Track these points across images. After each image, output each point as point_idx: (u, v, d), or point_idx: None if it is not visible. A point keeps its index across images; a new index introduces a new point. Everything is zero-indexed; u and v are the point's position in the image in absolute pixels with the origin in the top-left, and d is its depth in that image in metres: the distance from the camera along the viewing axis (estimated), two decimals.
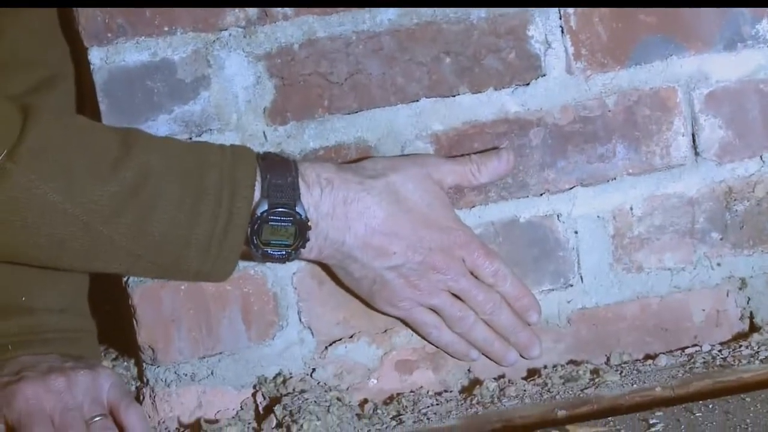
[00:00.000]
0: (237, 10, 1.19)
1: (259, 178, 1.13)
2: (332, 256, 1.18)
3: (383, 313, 1.22)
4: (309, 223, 1.14)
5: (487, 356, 1.25)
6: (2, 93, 1.18)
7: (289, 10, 1.20)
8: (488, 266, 1.21)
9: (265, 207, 1.12)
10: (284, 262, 1.16)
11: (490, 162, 1.22)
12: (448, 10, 1.22)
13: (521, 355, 1.25)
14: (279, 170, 1.14)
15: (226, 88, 1.19)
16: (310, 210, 1.14)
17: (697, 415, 1.06)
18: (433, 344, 1.25)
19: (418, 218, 1.19)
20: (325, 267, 1.23)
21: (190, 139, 1.20)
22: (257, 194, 1.13)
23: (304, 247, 1.15)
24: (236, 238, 1.12)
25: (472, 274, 1.21)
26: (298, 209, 1.13)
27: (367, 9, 1.22)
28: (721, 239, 1.26)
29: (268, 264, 1.20)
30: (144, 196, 1.11)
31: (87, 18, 1.18)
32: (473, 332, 1.22)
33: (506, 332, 1.23)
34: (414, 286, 1.20)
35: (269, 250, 1.14)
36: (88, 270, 1.19)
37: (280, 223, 1.14)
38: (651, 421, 1.06)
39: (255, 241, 1.13)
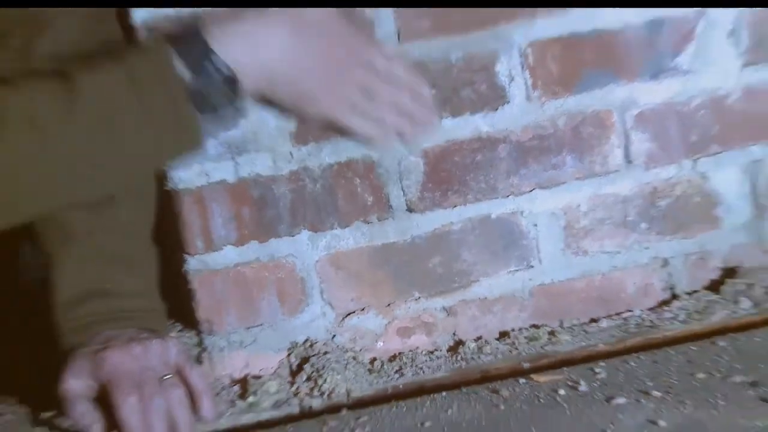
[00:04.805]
0: None
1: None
2: (261, 81, 1.05)
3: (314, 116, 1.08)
4: (226, 64, 1.01)
5: (399, 138, 1.08)
6: None
7: None
8: (382, 60, 1.09)
9: (188, 64, 1.00)
10: (234, 105, 1.04)
11: None
12: (431, 52, 1.23)
13: (424, 127, 1.10)
14: (185, 33, 1.02)
15: (260, 118, 1.20)
16: (226, 51, 1.01)
17: (632, 364, 1.10)
18: (357, 137, 1.08)
19: (319, 34, 1.07)
20: (341, 257, 1.24)
21: (233, 158, 1.21)
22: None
23: (237, 85, 1.02)
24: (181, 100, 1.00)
25: (374, 67, 1.08)
26: (211, 53, 1.01)
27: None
28: (648, 228, 1.30)
29: (296, 254, 1.23)
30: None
31: None
32: (384, 117, 1.08)
33: (411, 111, 1.09)
34: (330, 91, 1.08)
35: (213, 96, 1.02)
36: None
37: (205, 68, 1.01)
38: (596, 370, 1.09)
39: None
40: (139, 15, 1.19)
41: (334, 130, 1.10)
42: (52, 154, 1.02)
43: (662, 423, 0.95)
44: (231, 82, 1.03)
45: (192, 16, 1.08)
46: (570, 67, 1.26)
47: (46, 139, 1.01)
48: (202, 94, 1.02)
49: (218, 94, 1.03)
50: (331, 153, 1.23)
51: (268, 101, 1.08)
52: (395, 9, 1.22)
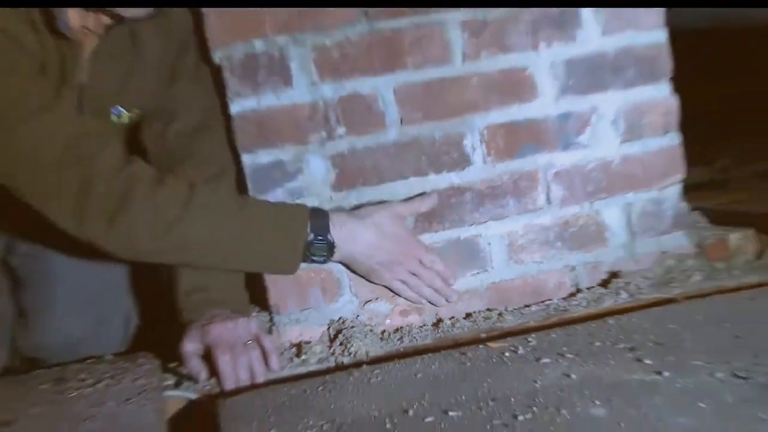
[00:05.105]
0: (317, 133, 1.19)
1: (309, 226, 1.13)
2: (347, 259, 1.18)
3: (376, 283, 1.21)
4: (334, 245, 1.14)
5: (429, 302, 1.23)
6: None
7: (342, 131, 1.20)
8: (427, 258, 1.20)
9: (311, 237, 1.13)
10: (322, 263, 1.16)
11: (427, 199, 1.21)
12: (422, 132, 1.21)
13: (447, 300, 1.24)
14: (319, 221, 1.14)
15: (311, 174, 1.20)
16: (335, 238, 1.14)
17: (552, 336, 1.09)
18: (403, 298, 1.23)
19: (390, 238, 1.17)
20: None
21: (293, 200, 1.20)
22: (310, 234, 1.13)
23: (333, 254, 1.15)
24: (297, 255, 1.13)
25: (421, 261, 1.20)
26: (329, 237, 1.14)
27: (383, 131, 1.20)
28: (562, 246, 1.29)
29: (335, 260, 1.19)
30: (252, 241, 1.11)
31: (244, 137, 1.18)
32: (422, 291, 1.21)
33: (439, 290, 1.22)
34: (390, 271, 1.19)
35: (315, 258, 1.15)
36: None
37: (320, 244, 1.14)
38: (529, 339, 1.08)
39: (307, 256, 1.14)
40: (235, 109, 1.18)
41: (387, 292, 1.22)
42: (194, 241, 1.10)
43: (573, 376, 0.95)
44: (331, 250, 1.14)
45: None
46: (511, 142, 1.26)
47: (201, 233, 1.10)
48: (309, 249, 1.13)
49: (320, 253, 1.14)
50: (357, 198, 1.23)
51: (346, 264, 1.19)
52: (399, 105, 1.21)
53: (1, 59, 1.01)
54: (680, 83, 1.29)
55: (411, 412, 0.90)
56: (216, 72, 1.19)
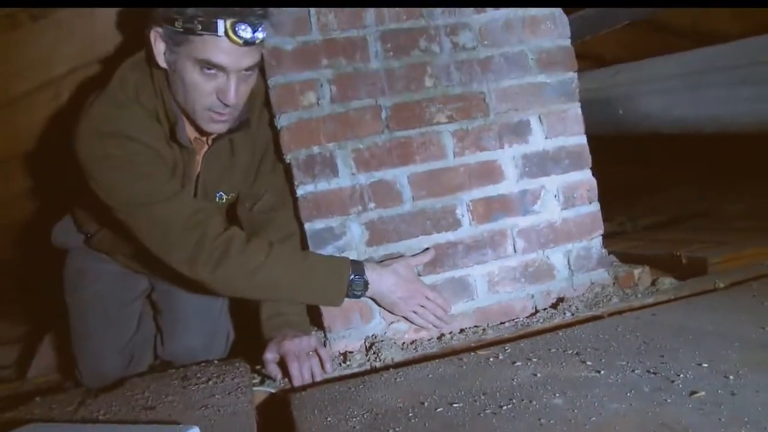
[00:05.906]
0: (355, 207, 1.17)
1: (351, 270, 1.11)
2: (376, 295, 1.15)
3: (396, 314, 1.18)
4: (368, 283, 1.13)
5: (434, 326, 1.20)
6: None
7: (372, 205, 1.17)
8: (431, 295, 1.18)
9: (353, 277, 1.12)
10: (359, 297, 1.14)
11: (428, 254, 1.20)
12: (427, 205, 1.20)
13: (445, 324, 1.20)
14: (357, 267, 1.13)
15: (351, 235, 1.19)
16: (368, 278, 1.13)
17: (521, 345, 1.06)
18: (414, 324, 1.20)
19: (405, 280, 1.16)
20: None
21: (339, 253, 1.17)
22: (351, 275, 1.11)
23: (367, 290, 1.13)
24: (343, 290, 1.11)
25: (427, 297, 1.18)
26: (365, 277, 1.12)
27: (401, 205, 1.19)
28: (524, 281, 1.27)
29: (368, 295, 1.17)
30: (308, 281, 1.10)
31: (306, 211, 1.17)
32: (428, 318, 1.18)
33: (440, 317, 1.19)
34: (406, 304, 1.16)
35: (356, 292, 1.13)
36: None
37: (358, 282, 1.12)
38: (506, 348, 1.06)
39: (349, 292, 1.12)
40: (299, 192, 1.18)
41: (404, 318, 1.18)
42: (272, 282, 1.08)
43: (539, 375, 0.93)
44: (366, 286, 1.12)
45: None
46: (488, 210, 1.26)
47: (277, 276, 1.09)
48: (351, 286, 1.11)
49: (358, 289, 1.12)
50: (384, 252, 1.21)
51: (375, 300, 1.16)
52: (411, 186, 1.21)
53: (148, 165, 1.06)
54: (595, 169, 1.32)
55: (426, 404, 0.88)
56: (287, 167, 1.20)
